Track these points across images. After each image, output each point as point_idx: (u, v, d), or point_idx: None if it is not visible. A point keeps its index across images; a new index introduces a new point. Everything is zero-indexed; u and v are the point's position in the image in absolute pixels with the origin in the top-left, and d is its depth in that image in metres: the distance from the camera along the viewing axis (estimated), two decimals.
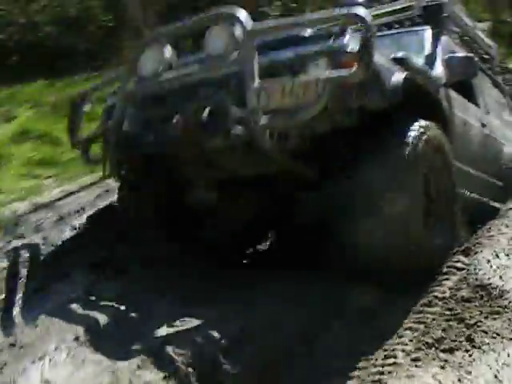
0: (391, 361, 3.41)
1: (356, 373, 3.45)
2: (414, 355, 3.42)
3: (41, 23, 15.89)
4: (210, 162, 4.29)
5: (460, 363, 3.30)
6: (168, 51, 4.37)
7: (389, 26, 6.55)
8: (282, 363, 3.60)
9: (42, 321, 3.92)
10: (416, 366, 3.31)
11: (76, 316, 4.01)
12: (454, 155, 4.89)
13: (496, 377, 3.15)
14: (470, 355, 3.36)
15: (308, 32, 4.13)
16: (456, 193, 4.69)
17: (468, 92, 6.11)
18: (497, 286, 3.87)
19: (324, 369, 3.57)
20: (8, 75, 13.38)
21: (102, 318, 3.96)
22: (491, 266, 4.10)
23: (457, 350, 3.43)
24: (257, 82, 3.76)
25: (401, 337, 3.63)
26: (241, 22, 3.95)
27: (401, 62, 4.39)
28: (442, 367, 3.27)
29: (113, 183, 5.92)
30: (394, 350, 3.51)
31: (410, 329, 3.69)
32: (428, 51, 5.61)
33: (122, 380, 3.21)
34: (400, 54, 4.52)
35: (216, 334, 3.70)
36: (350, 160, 4.11)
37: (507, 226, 4.74)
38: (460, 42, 6.86)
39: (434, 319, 3.72)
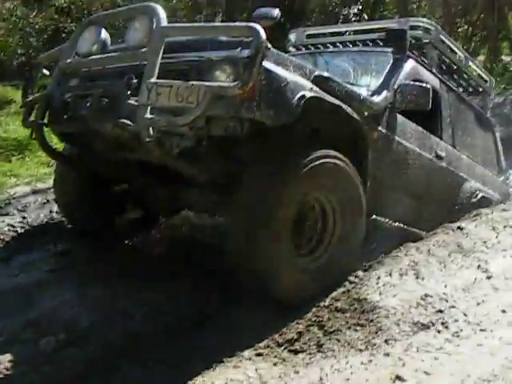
0: (237, 353, 3.55)
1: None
2: (259, 351, 3.58)
3: None
4: (112, 144, 4.48)
5: (296, 363, 3.42)
6: (103, 33, 4.65)
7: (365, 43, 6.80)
8: None
9: None
10: (250, 359, 3.45)
11: None
12: (384, 181, 5.13)
13: (321, 379, 3.24)
14: (311, 358, 3.47)
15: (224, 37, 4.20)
16: (360, 222, 4.65)
17: (432, 122, 6.23)
18: (372, 301, 3.94)
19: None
20: None
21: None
22: (377, 283, 4.18)
23: (302, 351, 3.55)
24: (153, 78, 3.88)
25: (259, 334, 3.76)
26: (157, 18, 4.10)
27: (323, 81, 4.43)
28: (275, 364, 3.40)
29: None
30: (246, 344, 3.65)
31: (272, 328, 3.81)
32: (384, 75, 5.61)
33: None
34: (325, 74, 4.59)
35: None
36: (237, 170, 4.21)
37: (417, 249, 4.76)
38: (440, 70, 6.91)
39: (298, 323, 3.83)
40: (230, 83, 3.77)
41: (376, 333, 3.66)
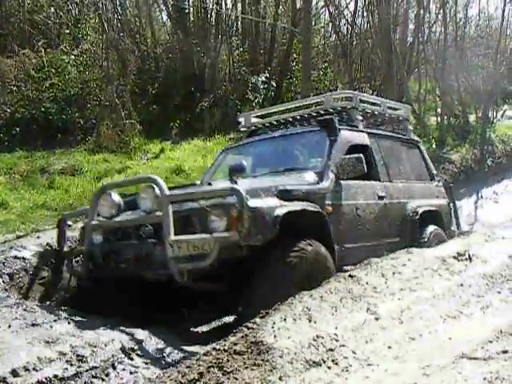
0: None
1: None
2: None
3: (45, 99, 16.84)
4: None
5: None
6: (116, 197, 6.37)
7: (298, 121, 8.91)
8: None
9: None
10: None
11: None
12: (346, 238, 6.83)
13: None
14: None
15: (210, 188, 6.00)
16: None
17: (369, 169, 7.51)
18: (267, 343, 4.25)
19: None
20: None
21: None
22: (273, 327, 4.50)
23: None
24: (172, 237, 5.48)
25: (163, 376, 4.05)
26: (160, 188, 5.74)
27: (285, 193, 6.05)
28: None
29: None
30: None
31: (176, 370, 4.11)
32: (326, 156, 7.17)
33: None
34: (288, 187, 6.18)
35: None
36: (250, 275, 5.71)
37: (310, 296, 5.11)
38: (366, 121, 8.78)
39: (200, 365, 4.11)
40: (232, 233, 5.35)
41: (271, 371, 3.97)
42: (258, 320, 4.75)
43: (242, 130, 9.44)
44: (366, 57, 26.97)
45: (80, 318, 5.47)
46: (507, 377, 3.69)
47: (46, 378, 4.25)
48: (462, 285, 5.54)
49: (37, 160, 13.82)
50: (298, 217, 5.96)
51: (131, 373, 4.46)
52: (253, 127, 9.29)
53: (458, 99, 24.54)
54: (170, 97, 20.15)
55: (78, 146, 15.93)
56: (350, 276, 5.58)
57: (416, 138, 10.01)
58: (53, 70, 17.95)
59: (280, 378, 3.89)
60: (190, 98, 20.58)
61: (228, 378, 3.91)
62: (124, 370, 4.49)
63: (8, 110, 16.52)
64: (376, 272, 5.74)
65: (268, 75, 22.08)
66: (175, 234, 5.49)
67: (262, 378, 3.90)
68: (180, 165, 14.10)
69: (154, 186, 5.81)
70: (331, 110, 8.39)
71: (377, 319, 4.78)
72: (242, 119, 9.34)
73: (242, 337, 4.45)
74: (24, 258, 7.15)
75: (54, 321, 5.26)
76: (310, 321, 4.67)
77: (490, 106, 23.16)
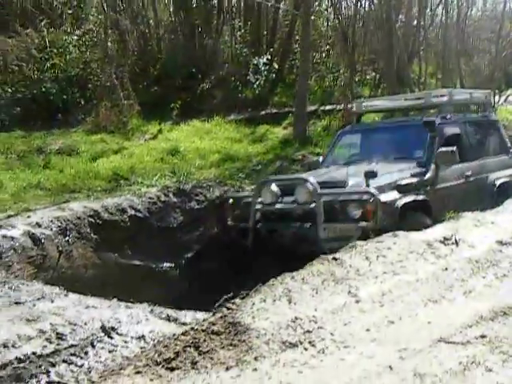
0: (118, 371, 3.86)
1: None
2: (139, 369, 3.87)
3: (46, 79, 16.85)
4: None
5: (171, 378, 3.75)
6: (275, 188, 8.31)
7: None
8: None
9: None
10: (129, 376, 3.74)
11: None
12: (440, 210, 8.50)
13: None
14: (185, 374, 3.80)
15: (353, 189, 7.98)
16: None
17: (460, 152, 9.12)
18: (245, 324, 4.29)
19: None
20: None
21: None
22: (252, 308, 4.54)
23: (177, 369, 3.86)
24: (322, 225, 7.67)
25: (141, 355, 4.07)
26: (314, 186, 7.83)
27: (402, 187, 8.18)
28: (151, 380, 3.71)
29: None
30: (129, 364, 3.96)
31: (154, 349, 4.14)
32: (427, 149, 9.17)
33: None
34: (403, 182, 8.26)
35: None
36: None
37: (292, 278, 5.14)
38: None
39: (176, 345, 4.14)
40: (370, 222, 7.53)
41: (247, 351, 4.00)
42: (237, 301, 4.79)
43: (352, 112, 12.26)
44: (369, 40, 26.81)
45: (64, 297, 5.47)
46: (483, 361, 3.71)
47: (24, 355, 4.28)
48: (446, 269, 5.55)
49: (34, 140, 13.86)
50: (411, 202, 8.09)
51: (110, 351, 4.49)
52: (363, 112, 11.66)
53: (459, 83, 24.42)
54: (171, 78, 20.10)
55: (77, 127, 15.93)
56: (333, 259, 5.61)
57: (494, 118, 11.92)
58: (55, 51, 17.96)
59: (255, 359, 3.92)
60: (191, 80, 20.54)
61: (203, 358, 3.94)
62: (103, 348, 4.52)
63: (9, 90, 16.55)
64: (360, 255, 5.77)
65: (270, 57, 22.01)
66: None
67: (238, 359, 3.93)
68: (176, 146, 14.10)
69: (308, 184, 7.83)
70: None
71: (357, 302, 4.80)
72: (354, 105, 11.68)
73: (221, 317, 4.48)
74: (13, 237, 7.21)
75: (38, 299, 5.31)
76: (289, 302, 4.70)
77: (492, 90, 23.01)
